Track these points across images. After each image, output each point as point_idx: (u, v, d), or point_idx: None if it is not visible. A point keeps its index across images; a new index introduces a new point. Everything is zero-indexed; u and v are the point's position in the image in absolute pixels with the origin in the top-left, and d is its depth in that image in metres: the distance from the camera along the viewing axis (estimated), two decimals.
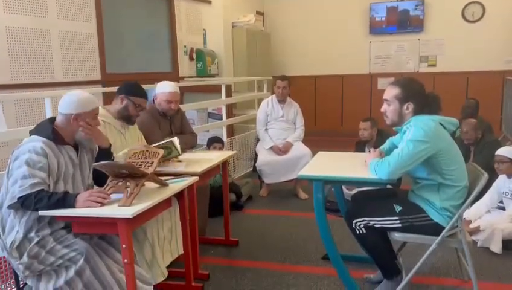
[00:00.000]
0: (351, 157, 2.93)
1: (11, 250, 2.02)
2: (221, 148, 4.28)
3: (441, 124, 2.35)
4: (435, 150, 2.27)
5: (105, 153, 2.27)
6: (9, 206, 2.02)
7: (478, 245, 3.22)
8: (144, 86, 3.44)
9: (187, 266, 2.64)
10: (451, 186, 2.33)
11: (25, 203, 1.97)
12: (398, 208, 2.39)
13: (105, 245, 2.17)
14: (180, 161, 2.88)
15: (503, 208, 3.43)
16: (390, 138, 2.76)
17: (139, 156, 2.37)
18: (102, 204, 2.02)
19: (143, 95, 2.78)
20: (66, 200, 2.01)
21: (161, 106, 3.22)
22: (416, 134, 2.25)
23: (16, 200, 1.97)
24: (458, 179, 2.34)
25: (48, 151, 2.05)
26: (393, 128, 2.52)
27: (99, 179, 2.28)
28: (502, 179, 3.47)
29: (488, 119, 5.09)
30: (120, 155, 2.54)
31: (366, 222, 2.41)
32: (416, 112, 2.38)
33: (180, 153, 2.80)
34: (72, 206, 2.00)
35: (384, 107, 2.46)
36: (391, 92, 2.42)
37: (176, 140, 2.76)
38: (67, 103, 2.16)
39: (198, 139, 3.97)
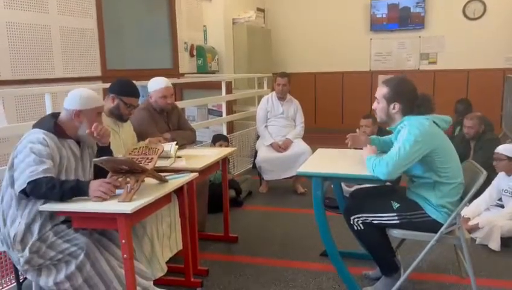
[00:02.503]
0: (351, 155, 2.93)
1: (15, 243, 2.04)
2: (226, 146, 4.30)
3: (434, 122, 2.36)
4: (430, 149, 2.29)
5: (105, 151, 2.28)
6: (22, 192, 2.00)
7: (477, 242, 3.22)
8: (144, 83, 3.47)
9: (186, 262, 2.65)
10: (447, 183, 2.34)
11: (34, 190, 1.97)
12: (395, 205, 2.41)
13: (106, 241, 2.19)
14: (179, 157, 2.88)
15: (502, 206, 3.44)
16: (389, 136, 2.76)
17: (138, 151, 2.38)
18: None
19: (134, 94, 2.76)
20: (80, 187, 2.03)
21: (158, 103, 3.19)
22: (411, 133, 2.27)
23: (25, 185, 1.96)
24: (453, 176, 2.35)
25: (50, 142, 2.07)
26: (387, 128, 2.55)
27: (99, 175, 2.29)
28: (501, 176, 3.47)
29: (488, 117, 5.08)
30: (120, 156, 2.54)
31: (364, 218, 2.43)
32: (405, 112, 2.40)
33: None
34: (87, 193, 2.03)
35: (375, 105, 2.51)
36: (380, 91, 2.46)
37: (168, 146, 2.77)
38: (71, 98, 2.19)
39: (199, 136, 3.97)
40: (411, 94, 2.41)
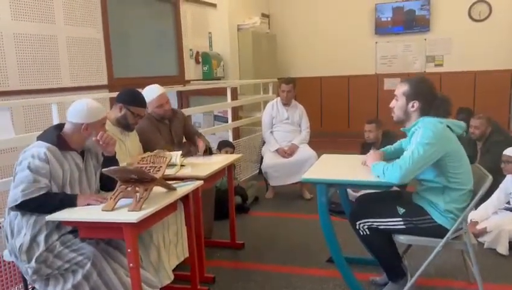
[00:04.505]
0: (355, 160, 2.92)
1: (20, 254, 2.06)
2: (232, 153, 4.32)
3: (448, 126, 2.35)
4: (444, 152, 2.27)
5: (111, 161, 2.30)
6: (11, 209, 2.07)
7: (485, 247, 3.20)
8: None
9: (193, 269, 2.66)
10: (457, 189, 2.33)
11: (27, 208, 2.03)
12: (401, 210, 2.40)
13: (112, 250, 2.21)
14: (183, 165, 2.90)
15: (510, 209, 3.41)
16: (401, 140, 2.75)
17: (147, 160, 2.39)
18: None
19: (142, 104, 2.79)
20: (70, 200, 2.10)
21: (156, 113, 3.18)
22: (425, 136, 2.26)
23: (17, 203, 2.02)
24: (464, 182, 2.34)
25: (51, 157, 2.09)
26: (401, 129, 2.53)
27: (105, 184, 2.31)
28: (509, 179, 3.44)
29: (496, 119, 5.04)
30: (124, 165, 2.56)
31: (369, 223, 2.42)
32: (422, 111, 2.39)
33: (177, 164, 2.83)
34: (74, 204, 2.10)
35: (393, 103, 2.50)
36: (400, 89, 2.46)
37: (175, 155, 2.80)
38: (76, 112, 2.20)
39: None
40: (430, 94, 2.41)
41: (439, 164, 2.31)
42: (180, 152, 2.90)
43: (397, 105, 2.46)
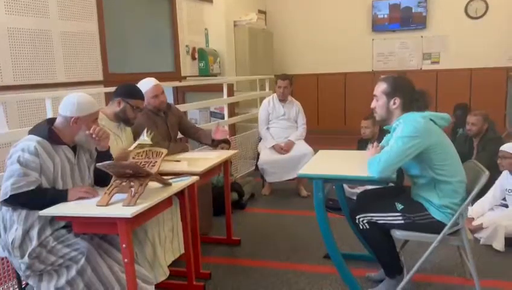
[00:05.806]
0: (352, 156, 2.92)
1: (13, 249, 2.04)
2: (228, 149, 4.29)
3: (431, 120, 2.36)
4: (426, 145, 2.28)
5: (104, 155, 2.28)
6: (2, 203, 2.05)
7: (481, 243, 3.20)
8: None
9: (188, 265, 2.64)
10: (446, 182, 2.33)
11: (17, 202, 2.01)
12: (399, 206, 2.40)
13: (107, 246, 2.19)
14: (178, 161, 2.88)
15: (506, 205, 3.41)
16: (388, 135, 2.75)
17: (142, 155, 2.37)
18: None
19: (140, 96, 2.77)
20: (60, 195, 2.08)
21: (151, 104, 3.14)
22: (406, 130, 2.27)
23: (7, 197, 2.00)
24: (452, 174, 2.33)
25: (41, 151, 2.07)
26: (384, 127, 2.54)
27: (100, 179, 2.29)
28: (505, 175, 3.44)
29: (492, 116, 5.04)
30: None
31: (369, 217, 2.42)
32: (404, 107, 2.41)
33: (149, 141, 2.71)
34: (65, 200, 2.08)
35: (374, 103, 2.51)
36: (379, 88, 2.48)
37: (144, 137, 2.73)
38: (67, 105, 2.18)
39: None
40: (409, 88, 2.44)
41: (423, 157, 2.31)
42: (146, 129, 2.79)
43: (378, 105, 2.47)
